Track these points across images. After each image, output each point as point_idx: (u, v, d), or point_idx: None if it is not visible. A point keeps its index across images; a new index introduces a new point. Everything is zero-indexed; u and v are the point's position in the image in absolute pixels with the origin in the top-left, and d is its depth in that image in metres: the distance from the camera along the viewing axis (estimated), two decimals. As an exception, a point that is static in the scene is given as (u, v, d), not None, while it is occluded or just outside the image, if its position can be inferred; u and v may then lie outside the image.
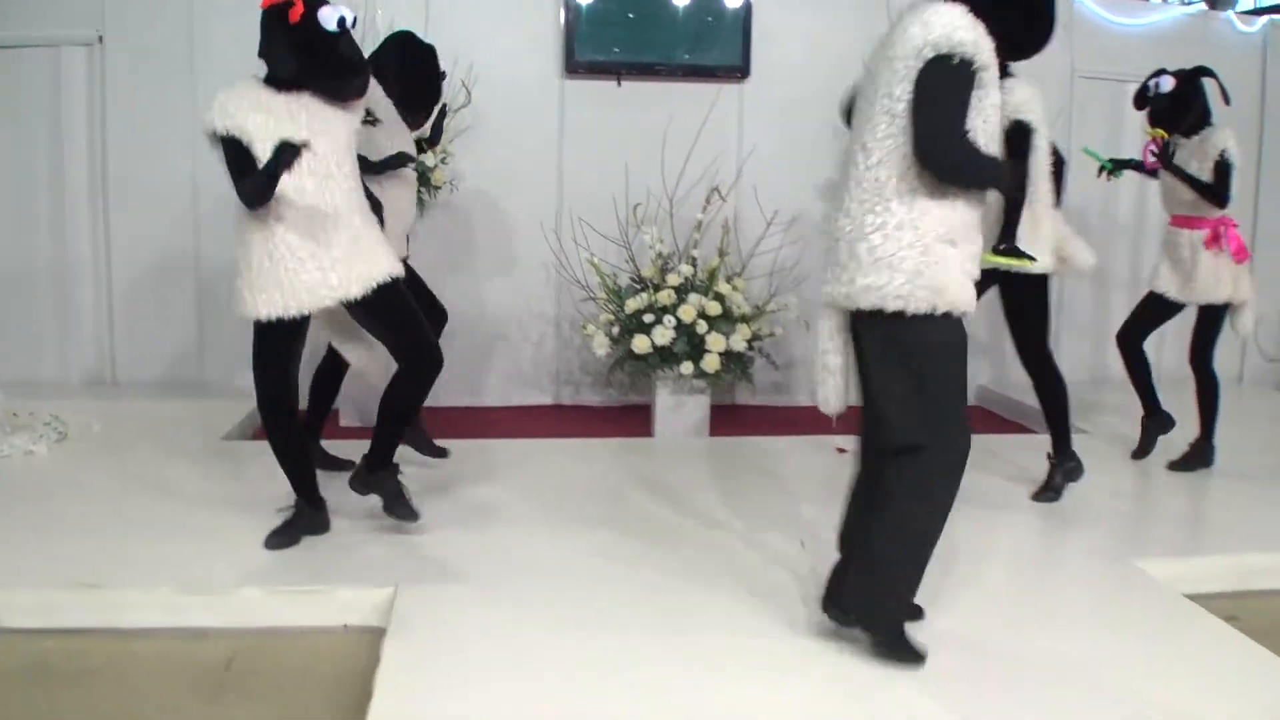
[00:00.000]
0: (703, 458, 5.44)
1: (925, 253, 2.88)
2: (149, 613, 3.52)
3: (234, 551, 3.91)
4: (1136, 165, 5.32)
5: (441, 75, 4.86)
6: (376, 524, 4.20)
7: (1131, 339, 5.38)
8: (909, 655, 3.12)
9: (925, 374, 2.96)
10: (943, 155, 2.83)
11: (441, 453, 4.99)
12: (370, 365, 4.23)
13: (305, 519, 4.05)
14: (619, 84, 6.52)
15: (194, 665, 3.30)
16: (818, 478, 5.04)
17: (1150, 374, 5.42)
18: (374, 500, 4.13)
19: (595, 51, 6.50)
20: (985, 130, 2.89)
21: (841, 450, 5.26)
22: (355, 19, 3.72)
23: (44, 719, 3.05)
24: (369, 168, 4.45)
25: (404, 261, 4.22)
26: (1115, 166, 5.29)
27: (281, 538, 3.97)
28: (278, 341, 3.78)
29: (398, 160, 4.61)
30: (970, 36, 2.79)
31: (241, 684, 3.21)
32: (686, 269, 5.87)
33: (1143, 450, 5.48)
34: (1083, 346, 7.53)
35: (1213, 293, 5.10)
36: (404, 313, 3.91)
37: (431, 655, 3.16)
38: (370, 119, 4.48)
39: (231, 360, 6.46)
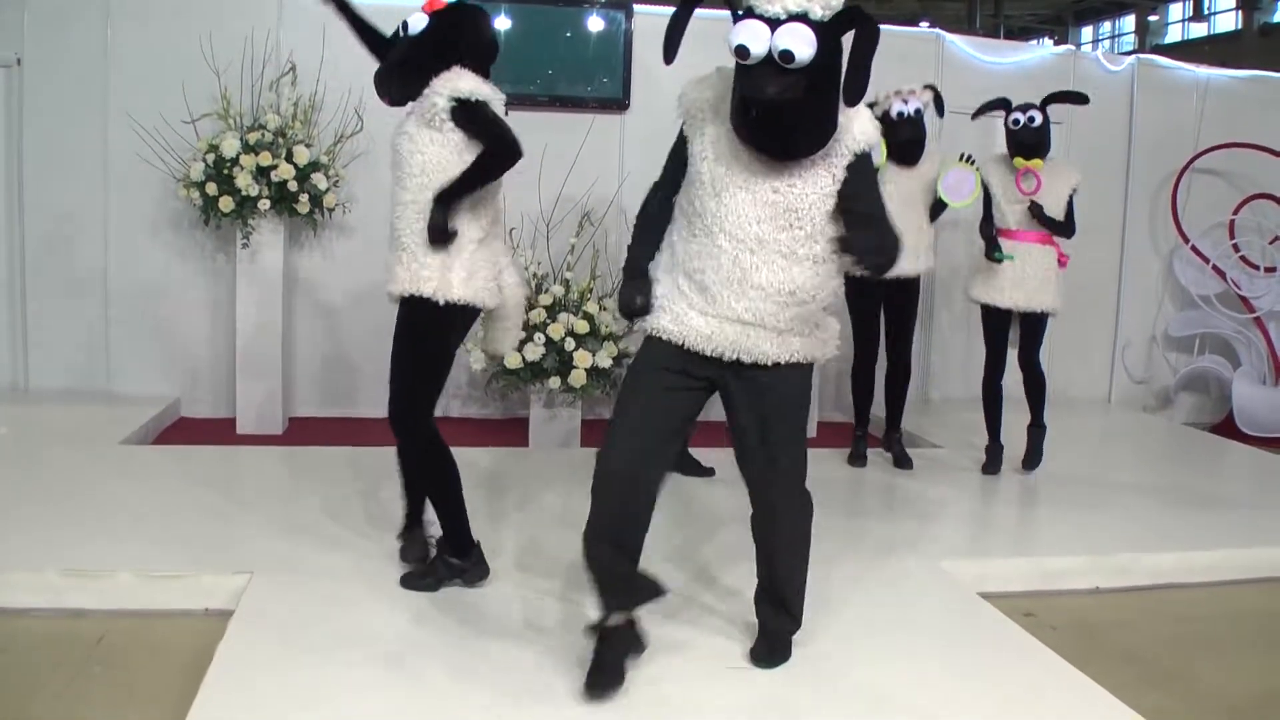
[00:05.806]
0: (552, 466, 5.60)
1: None
2: (35, 594, 3.78)
3: (116, 541, 4.15)
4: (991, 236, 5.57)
5: None
6: (248, 516, 4.50)
7: (997, 373, 5.78)
8: None
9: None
10: None
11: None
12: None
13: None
14: (505, 114, 6.78)
15: (68, 642, 3.56)
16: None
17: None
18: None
19: (481, 82, 6.78)
20: None
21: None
22: (404, 24, 3.76)
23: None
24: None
25: None
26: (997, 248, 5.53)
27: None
28: None
29: None
30: None
31: (108, 659, 3.47)
32: (559, 290, 6.12)
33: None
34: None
35: (1059, 300, 5.60)
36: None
37: (271, 640, 3.38)
38: None
39: (136, 370, 6.77)
